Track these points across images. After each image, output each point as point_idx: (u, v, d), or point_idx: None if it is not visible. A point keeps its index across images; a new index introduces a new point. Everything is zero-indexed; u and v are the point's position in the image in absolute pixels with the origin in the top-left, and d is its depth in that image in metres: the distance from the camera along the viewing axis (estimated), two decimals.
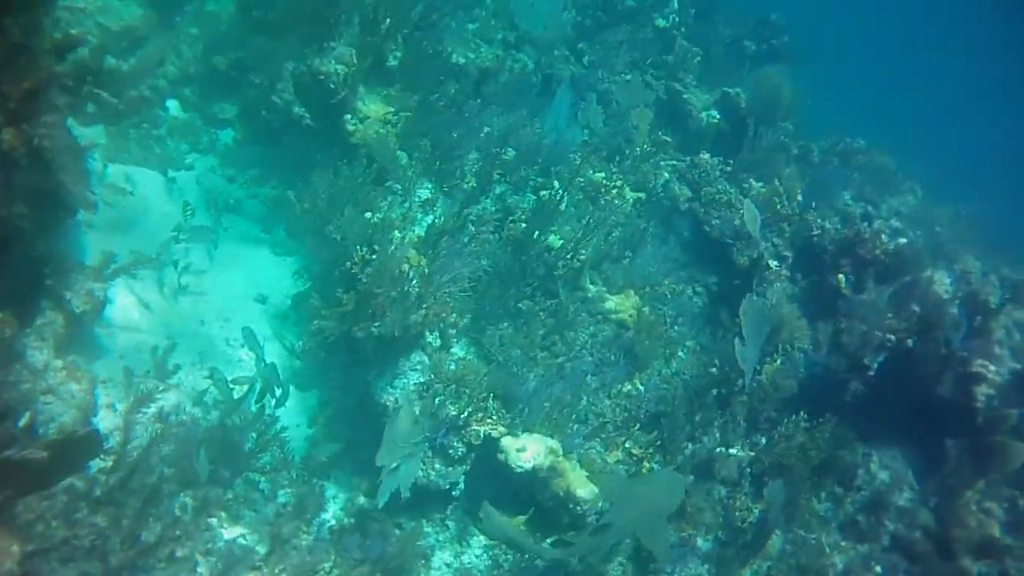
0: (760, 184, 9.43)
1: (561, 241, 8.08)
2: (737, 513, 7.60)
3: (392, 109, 8.29)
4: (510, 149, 8.84)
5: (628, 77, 10.42)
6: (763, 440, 7.99)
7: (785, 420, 7.89)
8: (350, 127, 8.04)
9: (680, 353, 8.42)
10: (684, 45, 10.85)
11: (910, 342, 8.48)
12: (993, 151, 26.92)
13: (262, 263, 8.58)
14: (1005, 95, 31.56)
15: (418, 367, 6.88)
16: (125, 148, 8.50)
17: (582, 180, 8.89)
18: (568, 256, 7.96)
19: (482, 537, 6.84)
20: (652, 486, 6.39)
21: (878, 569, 8.41)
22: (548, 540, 6.36)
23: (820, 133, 11.73)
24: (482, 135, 8.60)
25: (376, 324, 6.56)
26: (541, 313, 7.62)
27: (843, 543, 8.44)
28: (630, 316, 8.18)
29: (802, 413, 7.89)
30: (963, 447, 8.74)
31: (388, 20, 8.18)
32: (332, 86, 7.89)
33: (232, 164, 9.21)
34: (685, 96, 10.43)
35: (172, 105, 9.36)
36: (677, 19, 11.36)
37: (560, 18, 10.53)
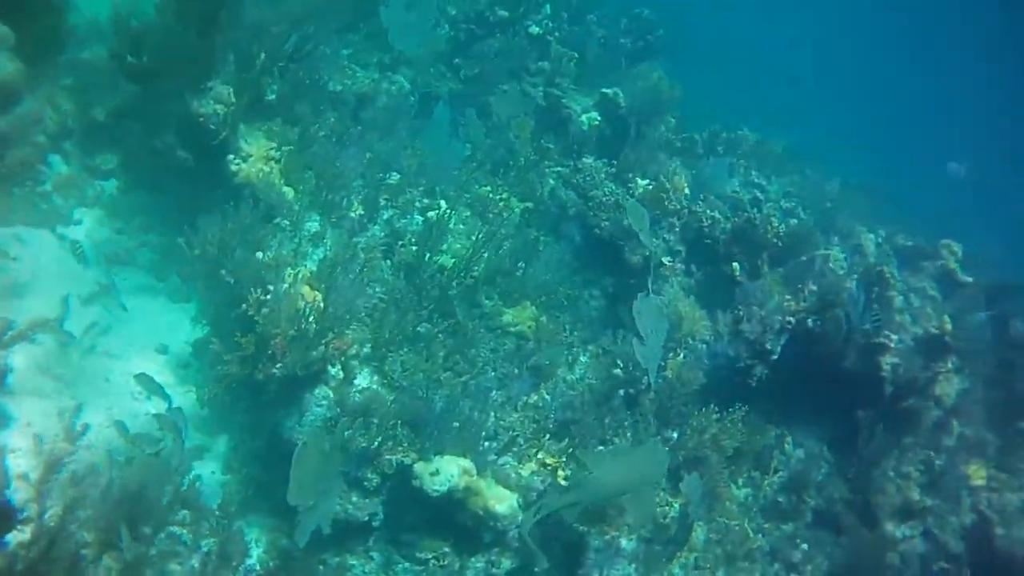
0: (646, 182, 9.44)
1: (453, 260, 7.99)
2: (658, 509, 7.57)
3: (274, 144, 8.13)
4: (394, 173, 8.73)
5: (505, 88, 10.40)
6: (675, 435, 7.96)
7: (695, 413, 7.88)
8: (233, 167, 7.85)
9: (583, 358, 8.38)
10: (559, 50, 10.86)
11: (810, 322, 8.59)
12: (876, 121, 28.14)
13: (160, 312, 8.28)
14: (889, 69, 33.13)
15: (323, 402, 6.74)
16: (11, 209, 8.12)
17: (468, 196, 8.82)
18: (461, 274, 7.87)
19: (408, 563, 6.73)
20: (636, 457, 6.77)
21: (804, 546, 8.51)
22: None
23: (703, 125, 11.90)
24: (365, 161, 8.49)
25: (277, 365, 6.41)
26: (440, 335, 7.49)
27: (767, 525, 8.51)
28: (529, 327, 8.11)
29: (712, 404, 7.90)
30: (875, 417, 8.87)
31: (263, 55, 8.03)
32: (212, 127, 7.71)
33: (119, 215, 8.87)
34: (564, 101, 10.42)
35: (54, 160, 8.99)
36: (550, 24, 11.32)
37: (434, 35, 10.43)
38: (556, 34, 11.27)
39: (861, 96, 31.13)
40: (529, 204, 9.26)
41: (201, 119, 7.69)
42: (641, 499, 6.99)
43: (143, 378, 6.62)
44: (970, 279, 10.55)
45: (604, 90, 10.42)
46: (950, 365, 9.29)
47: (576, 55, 10.83)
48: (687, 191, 9.29)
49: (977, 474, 9.88)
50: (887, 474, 8.92)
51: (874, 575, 8.54)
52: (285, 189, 7.96)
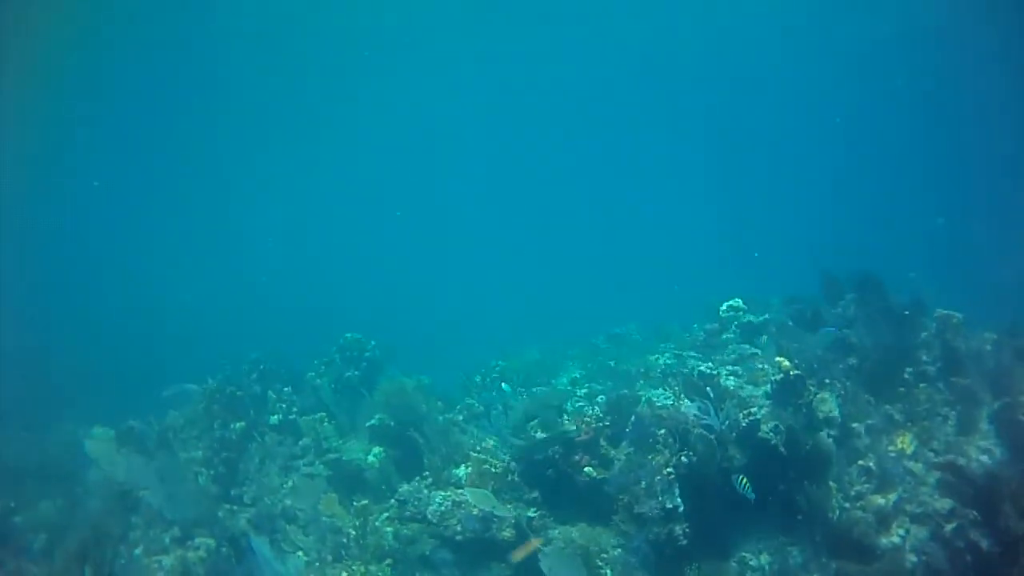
0: None
1: None
2: None
3: None
4: None
5: (291, 482, 10.06)
6: None
7: None
8: None
9: None
10: (307, 420, 10.71)
11: (684, 459, 8.41)
12: None
13: None
14: None
15: None
16: None
17: None
18: None
19: None
20: None
21: None
22: None
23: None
24: None
25: None
26: None
27: None
28: None
29: None
30: (796, 476, 8.69)
31: None
32: None
33: None
34: (344, 458, 10.13)
35: None
36: (283, 406, 11.11)
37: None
38: (295, 409, 10.97)
39: None
40: None
41: None
42: None
43: None
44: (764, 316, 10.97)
45: (370, 422, 10.15)
46: (812, 389, 9.34)
47: (323, 414, 10.54)
48: None
49: (904, 442, 9.85)
50: (843, 507, 8.66)
51: None
52: None
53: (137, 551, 9.57)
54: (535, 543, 8.11)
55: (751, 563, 8.44)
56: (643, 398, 9.02)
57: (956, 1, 28.05)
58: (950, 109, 37.80)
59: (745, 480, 7.84)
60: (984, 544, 8.36)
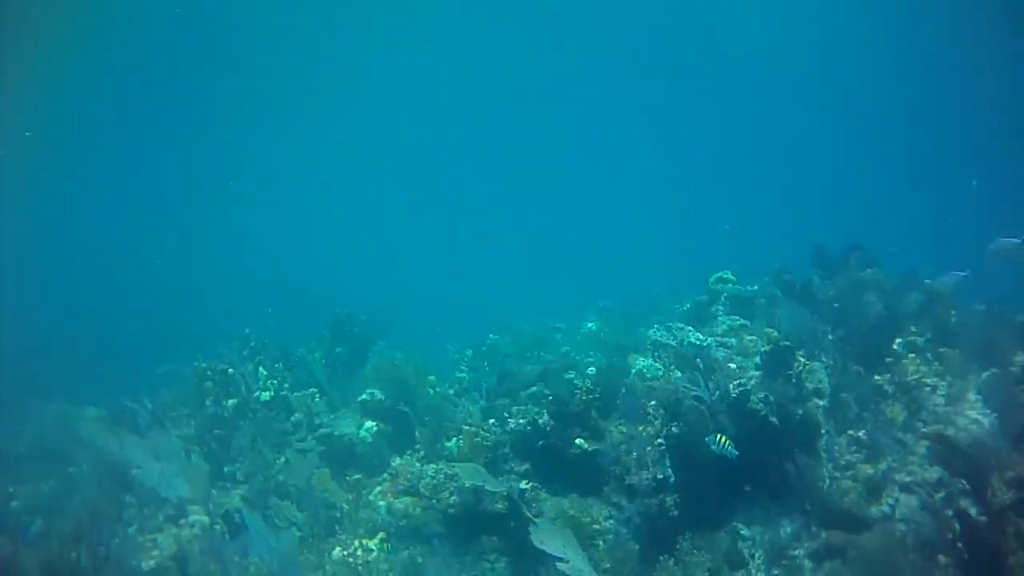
0: None
1: None
2: None
3: None
4: None
5: (284, 458, 10.07)
6: None
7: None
8: None
9: None
10: (298, 396, 10.78)
11: (675, 429, 8.45)
12: None
13: None
14: None
15: None
16: None
17: None
18: None
19: None
20: None
21: None
22: None
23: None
24: None
25: None
26: None
27: None
28: None
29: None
30: (785, 449, 8.69)
31: None
32: None
33: None
34: (336, 433, 10.23)
35: None
36: (274, 383, 11.11)
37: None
38: (286, 385, 10.98)
39: None
40: None
41: None
42: None
43: None
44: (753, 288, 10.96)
45: (361, 397, 10.18)
46: (802, 360, 9.37)
47: (315, 390, 10.56)
48: None
49: (894, 412, 9.90)
50: (833, 477, 8.70)
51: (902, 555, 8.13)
52: None
53: (131, 530, 9.58)
54: None
55: (742, 532, 8.50)
56: (633, 369, 9.02)
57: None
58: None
59: (724, 439, 7.85)
60: (972, 512, 8.42)
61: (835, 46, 36.79)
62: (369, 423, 10.35)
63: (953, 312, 10.84)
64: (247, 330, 11.90)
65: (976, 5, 28.48)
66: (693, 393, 8.56)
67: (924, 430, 9.40)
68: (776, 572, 8.23)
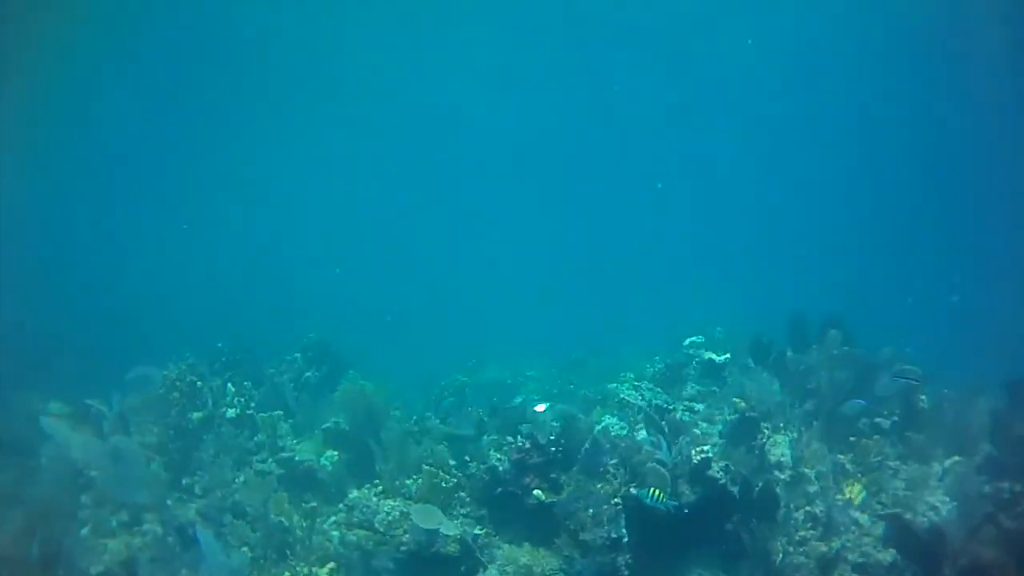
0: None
1: None
2: None
3: None
4: None
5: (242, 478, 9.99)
6: None
7: None
8: None
9: None
10: (263, 417, 10.74)
11: (632, 490, 8.42)
12: None
13: None
14: None
15: None
16: None
17: None
18: None
19: None
20: None
21: None
22: None
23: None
24: None
25: None
26: None
27: None
28: None
29: None
30: (743, 518, 8.66)
31: None
32: None
33: None
34: (297, 459, 10.20)
35: None
36: (241, 400, 11.13)
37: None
38: (253, 404, 10.97)
39: None
40: None
41: None
42: None
43: None
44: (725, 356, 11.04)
45: (326, 424, 10.18)
46: (767, 431, 9.42)
47: (281, 412, 10.54)
48: None
49: (853, 491, 9.92)
50: (787, 551, 8.71)
51: None
52: None
53: (85, 531, 9.53)
54: None
55: None
56: (598, 426, 9.04)
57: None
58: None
59: (658, 492, 7.85)
60: None
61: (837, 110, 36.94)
62: (331, 451, 10.34)
63: (923, 397, 10.94)
64: (220, 344, 11.87)
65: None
66: (656, 456, 8.58)
67: (881, 512, 9.45)
68: None
